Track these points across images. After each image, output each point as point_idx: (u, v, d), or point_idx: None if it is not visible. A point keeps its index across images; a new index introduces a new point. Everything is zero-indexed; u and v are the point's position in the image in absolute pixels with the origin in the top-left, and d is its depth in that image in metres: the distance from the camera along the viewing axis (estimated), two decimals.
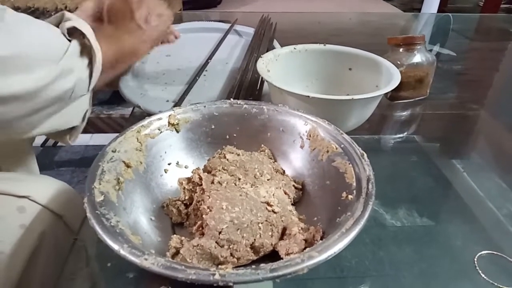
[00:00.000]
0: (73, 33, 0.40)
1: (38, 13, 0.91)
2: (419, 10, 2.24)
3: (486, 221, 0.43)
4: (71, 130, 0.44)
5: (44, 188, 0.41)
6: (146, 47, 0.52)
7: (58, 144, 1.01)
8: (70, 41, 0.39)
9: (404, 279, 0.36)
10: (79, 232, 0.36)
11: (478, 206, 0.45)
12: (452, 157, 0.55)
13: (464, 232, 0.42)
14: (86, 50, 0.40)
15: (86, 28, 0.40)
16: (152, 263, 0.24)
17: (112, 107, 1.49)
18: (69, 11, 0.99)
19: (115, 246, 0.25)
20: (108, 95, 1.53)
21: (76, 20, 0.40)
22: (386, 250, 0.39)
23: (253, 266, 0.25)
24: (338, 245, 0.26)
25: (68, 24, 0.39)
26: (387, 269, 0.36)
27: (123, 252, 0.25)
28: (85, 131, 1.05)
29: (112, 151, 0.35)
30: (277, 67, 0.53)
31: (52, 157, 1.20)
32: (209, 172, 0.37)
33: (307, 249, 0.28)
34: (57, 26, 0.40)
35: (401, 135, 0.59)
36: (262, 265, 0.25)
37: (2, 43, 0.32)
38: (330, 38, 0.99)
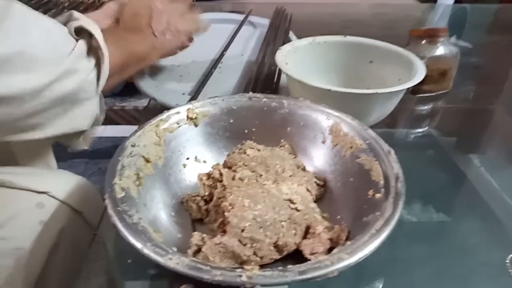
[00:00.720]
0: (80, 33, 0.38)
1: (51, 4, 0.90)
2: (435, 0, 2.18)
3: (503, 217, 0.42)
4: (82, 134, 0.42)
5: (63, 184, 0.41)
6: (156, 56, 0.51)
7: None
8: (77, 40, 0.37)
9: (419, 276, 0.35)
10: (98, 228, 0.36)
11: (495, 202, 0.44)
12: (469, 152, 0.54)
13: (481, 228, 0.41)
14: (94, 51, 0.38)
15: (94, 28, 0.38)
16: (177, 263, 0.24)
17: (125, 98, 1.49)
18: (82, 2, 0.98)
19: (138, 245, 0.25)
20: (121, 87, 1.53)
21: (84, 20, 0.38)
22: (402, 246, 0.37)
23: (281, 268, 0.24)
24: (368, 247, 0.25)
25: (75, 24, 0.37)
26: (402, 266, 0.35)
27: (147, 251, 0.24)
28: None
29: (132, 145, 0.34)
30: (296, 59, 0.52)
31: (65, 149, 1.21)
32: (229, 168, 0.36)
33: (335, 250, 0.27)
34: (65, 25, 0.38)
35: (418, 129, 0.58)
36: (290, 266, 0.24)
37: (7, 40, 0.31)
38: (344, 30, 0.96)
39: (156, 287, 0.32)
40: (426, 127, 0.59)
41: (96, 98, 0.40)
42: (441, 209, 0.42)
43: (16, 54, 0.31)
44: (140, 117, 0.99)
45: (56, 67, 0.34)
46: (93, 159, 1.19)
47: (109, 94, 1.43)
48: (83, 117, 0.40)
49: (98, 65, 0.39)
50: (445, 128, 0.59)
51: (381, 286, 0.34)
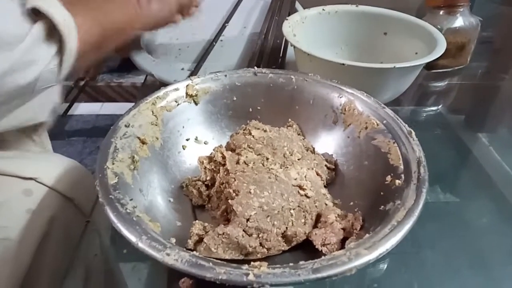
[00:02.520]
0: (39, 14, 0.31)
1: None
2: None
3: None
4: (40, 126, 0.37)
5: (52, 168, 0.38)
6: (139, 28, 0.44)
7: (68, 113, 0.97)
8: (34, 23, 0.31)
9: (425, 257, 0.34)
10: (91, 215, 0.33)
11: (505, 182, 0.43)
12: (478, 131, 0.52)
13: (490, 208, 0.40)
14: (56, 35, 0.32)
15: (54, 9, 0.31)
16: (176, 259, 0.21)
17: (122, 75, 1.44)
18: None
19: (132, 238, 0.22)
20: (118, 62, 1.48)
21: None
22: None
23: (292, 264, 0.21)
24: (390, 241, 0.22)
25: (31, 3, 0.30)
26: (409, 247, 0.34)
27: (142, 245, 0.22)
28: (95, 99, 1.01)
29: (126, 125, 0.31)
30: (304, 31, 0.48)
31: (63, 127, 1.18)
32: (233, 150, 0.33)
33: (351, 243, 0.24)
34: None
35: (426, 107, 0.56)
36: (302, 263, 0.21)
37: None
38: (350, 1, 0.91)
39: (155, 278, 0.30)
40: (440, 106, 0.55)
41: (57, 86, 0.35)
42: (448, 190, 0.41)
43: None
44: (139, 95, 0.95)
45: (7, 56, 0.28)
46: (91, 137, 1.16)
47: (105, 70, 1.39)
48: (42, 108, 0.35)
49: (61, 51, 0.32)
50: (455, 106, 0.57)
51: (385, 266, 0.32)
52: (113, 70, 1.47)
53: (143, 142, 0.32)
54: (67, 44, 0.32)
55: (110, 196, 0.25)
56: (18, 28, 0.30)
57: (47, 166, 0.38)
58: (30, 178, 0.35)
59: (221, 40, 0.60)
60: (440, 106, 0.55)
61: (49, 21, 0.31)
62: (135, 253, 0.30)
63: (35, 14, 0.31)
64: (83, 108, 1.23)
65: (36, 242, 0.34)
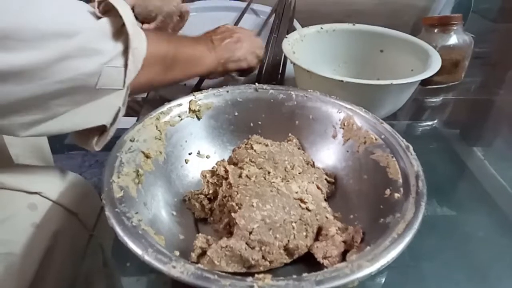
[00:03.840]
0: (110, 12, 0.31)
1: None
2: None
3: (508, 210, 0.41)
4: (99, 133, 0.35)
5: (56, 183, 0.38)
6: (212, 63, 0.43)
7: None
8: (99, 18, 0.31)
9: (423, 270, 0.34)
10: (95, 229, 0.34)
11: (500, 195, 0.43)
12: (473, 145, 0.53)
13: (486, 221, 0.40)
14: (124, 34, 0.31)
15: (125, 9, 0.31)
16: (181, 271, 0.21)
17: None
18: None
19: (138, 251, 0.23)
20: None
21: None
22: None
23: (295, 276, 0.22)
24: (391, 253, 0.23)
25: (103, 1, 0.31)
26: (407, 260, 0.34)
27: (148, 258, 0.22)
28: None
29: (130, 140, 0.32)
30: (303, 48, 0.49)
31: (63, 140, 1.18)
32: (235, 164, 0.34)
33: (353, 255, 0.24)
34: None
35: (421, 122, 0.56)
36: (305, 275, 0.22)
37: (6, 14, 0.25)
38: (347, 19, 0.94)
39: None
40: (435, 120, 0.57)
41: (123, 91, 0.33)
42: (445, 203, 0.41)
43: (17, 29, 0.26)
44: (139, 109, 0.96)
45: (67, 42, 0.28)
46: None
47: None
48: (105, 111, 0.32)
49: (127, 50, 0.31)
50: (450, 121, 0.57)
51: (383, 280, 0.32)
52: None
53: (147, 156, 0.32)
54: (133, 45, 0.31)
55: (116, 209, 0.25)
56: (82, 19, 0.30)
57: (52, 181, 0.38)
58: (35, 193, 0.35)
59: None
60: (435, 121, 0.56)
61: (118, 20, 0.31)
62: (137, 266, 0.30)
63: (106, 12, 0.31)
64: None
65: (41, 256, 0.34)
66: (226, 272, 0.25)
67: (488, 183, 0.45)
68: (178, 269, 0.21)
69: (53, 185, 0.37)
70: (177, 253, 0.26)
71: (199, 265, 0.24)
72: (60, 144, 1.16)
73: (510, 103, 0.63)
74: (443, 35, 0.55)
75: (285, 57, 0.57)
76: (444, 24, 0.54)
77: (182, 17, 0.56)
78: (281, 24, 0.71)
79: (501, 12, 1.15)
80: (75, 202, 0.38)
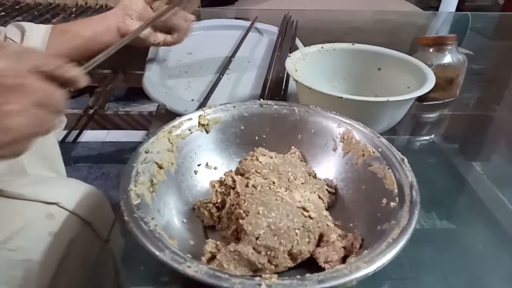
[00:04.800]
0: None
1: (58, 9, 0.91)
2: (436, 7, 2.20)
3: (506, 224, 0.42)
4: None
5: (72, 194, 0.40)
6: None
7: (77, 140, 1.01)
8: None
9: (423, 283, 0.35)
10: (109, 238, 0.36)
11: (499, 209, 0.44)
12: (472, 159, 0.54)
13: (485, 235, 0.41)
14: None
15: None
16: (195, 270, 0.23)
17: (128, 103, 1.49)
18: (89, 7, 0.98)
19: (156, 252, 0.25)
20: (124, 91, 1.54)
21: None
22: (405, 252, 0.37)
23: (299, 276, 0.24)
24: (386, 256, 0.25)
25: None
26: (407, 272, 0.35)
27: (165, 258, 0.24)
28: (103, 127, 1.04)
29: (145, 151, 0.34)
30: (305, 66, 0.52)
31: (69, 153, 1.21)
32: (242, 175, 0.36)
33: (352, 258, 0.27)
34: None
35: (420, 136, 0.58)
36: (308, 275, 0.24)
37: None
38: (346, 36, 0.97)
39: None
40: (432, 135, 0.59)
41: None
42: (444, 217, 0.42)
43: None
44: (145, 122, 0.99)
45: None
46: (97, 163, 1.19)
47: (112, 98, 1.43)
48: None
49: None
50: (449, 136, 0.59)
51: None
52: (119, 99, 1.53)
53: (160, 167, 0.35)
54: None
55: (135, 215, 0.27)
56: None
57: (68, 191, 0.40)
58: (53, 203, 0.38)
59: (227, 73, 0.65)
60: (433, 135, 0.58)
61: None
62: (147, 276, 0.32)
63: None
64: (89, 135, 1.27)
65: (56, 263, 0.36)
66: None
67: (487, 197, 0.46)
68: (193, 269, 0.24)
69: (69, 196, 0.40)
70: (190, 256, 0.28)
71: (211, 265, 0.26)
72: (67, 156, 1.18)
73: (507, 119, 0.65)
74: (438, 54, 0.58)
75: (288, 74, 0.60)
76: (439, 44, 0.57)
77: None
78: (283, 42, 0.74)
79: (498, 30, 1.19)
80: (90, 212, 0.40)
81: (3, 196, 0.37)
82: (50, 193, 0.39)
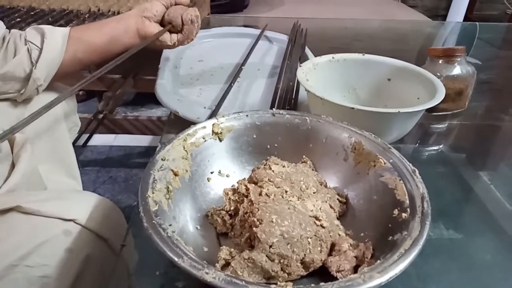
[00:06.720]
0: None
1: (72, 15, 0.93)
2: (444, 16, 2.20)
3: None
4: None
5: (89, 209, 0.40)
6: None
7: (87, 144, 1.02)
8: None
9: None
10: (121, 251, 0.36)
11: (506, 219, 0.45)
12: (480, 169, 0.54)
13: (493, 245, 0.41)
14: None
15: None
16: (213, 277, 0.24)
17: (136, 108, 1.51)
18: (102, 13, 1.00)
19: (175, 258, 0.25)
20: (132, 96, 1.56)
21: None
22: (413, 262, 0.38)
23: (313, 285, 0.24)
24: (399, 266, 0.26)
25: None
26: (415, 283, 0.35)
27: (184, 264, 0.25)
28: (112, 131, 1.06)
29: (162, 159, 0.35)
30: (316, 76, 0.53)
31: (78, 157, 1.22)
32: (255, 183, 0.37)
33: (366, 268, 0.27)
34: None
35: (428, 146, 0.58)
36: (322, 284, 0.24)
37: None
38: (355, 43, 0.98)
39: None
40: (441, 145, 0.59)
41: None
42: (452, 226, 0.42)
43: None
44: (153, 127, 1.01)
45: None
46: (105, 167, 1.20)
47: (121, 103, 1.45)
48: None
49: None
50: (457, 146, 0.59)
51: None
52: (127, 104, 1.54)
53: (175, 174, 0.35)
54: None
55: (153, 221, 0.28)
56: None
57: (84, 207, 0.40)
58: (70, 220, 0.38)
59: (238, 81, 0.66)
60: (441, 146, 0.59)
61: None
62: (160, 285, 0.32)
63: None
64: (97, 139, 1.28)
65: (72, 279, 0.36)
66: None
67: (494, 207, 0.46)
68: (211, 275, 0.24)
69: (86, 212, 0.40)
70: (206, 262, 0.28)
71: (227, 272, 0.26)
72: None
73: (510, 128, 0.66)
74: (447, 65, 0.58)
75: (298, 83, 0.61)
76: (448, 56, 0.58)
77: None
78: (293, 51, 0.75)
79: (505, 40, 1.19)
80: (106, 228, 0.41)
81: (21, 212, 0.37)
82: (68, 209, 0.39)
